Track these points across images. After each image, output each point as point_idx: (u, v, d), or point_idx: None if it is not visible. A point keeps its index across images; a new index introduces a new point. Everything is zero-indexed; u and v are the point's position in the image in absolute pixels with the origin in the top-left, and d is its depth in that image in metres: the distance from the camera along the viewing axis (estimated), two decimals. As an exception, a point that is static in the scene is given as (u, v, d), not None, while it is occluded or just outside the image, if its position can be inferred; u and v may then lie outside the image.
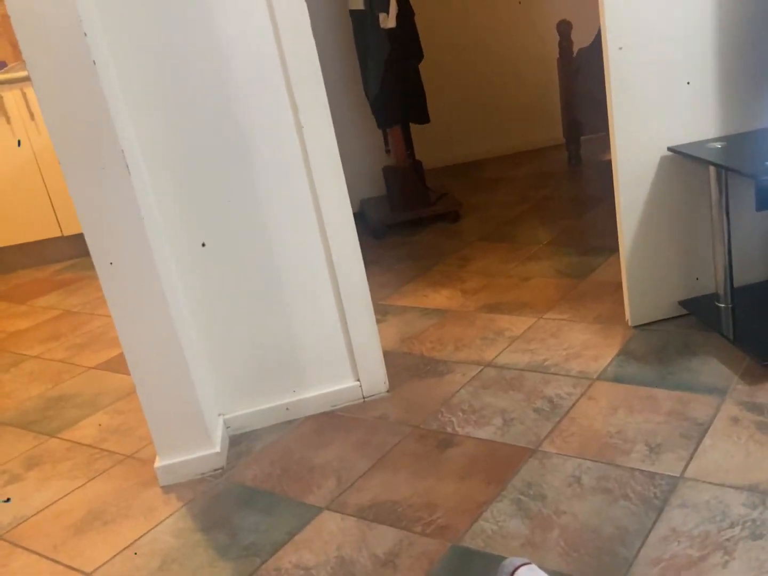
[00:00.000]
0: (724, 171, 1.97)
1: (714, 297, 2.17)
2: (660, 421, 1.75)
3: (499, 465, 1.72)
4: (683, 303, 2.19)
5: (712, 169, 2.00)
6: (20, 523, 1.85)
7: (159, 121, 1.82)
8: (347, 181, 1.98)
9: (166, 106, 1.82)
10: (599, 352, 2.13)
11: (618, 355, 2.09)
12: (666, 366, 1.99)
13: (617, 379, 1.97)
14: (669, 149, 2.05)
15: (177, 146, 1.85)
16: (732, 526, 1.38)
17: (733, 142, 2.01)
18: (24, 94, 3.86)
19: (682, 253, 2.17)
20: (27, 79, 3.78)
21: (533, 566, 1.30)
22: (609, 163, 2.08)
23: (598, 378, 2.00)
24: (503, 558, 1.34)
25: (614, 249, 2.29)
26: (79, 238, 1.72)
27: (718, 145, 2.00)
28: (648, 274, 2.17)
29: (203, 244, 1.93)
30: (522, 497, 1.59)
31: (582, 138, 4.20)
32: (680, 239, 2.16)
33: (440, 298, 2.76)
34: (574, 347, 2.19)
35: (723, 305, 2.12)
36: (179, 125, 1.83)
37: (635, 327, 2.22)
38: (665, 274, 2.18)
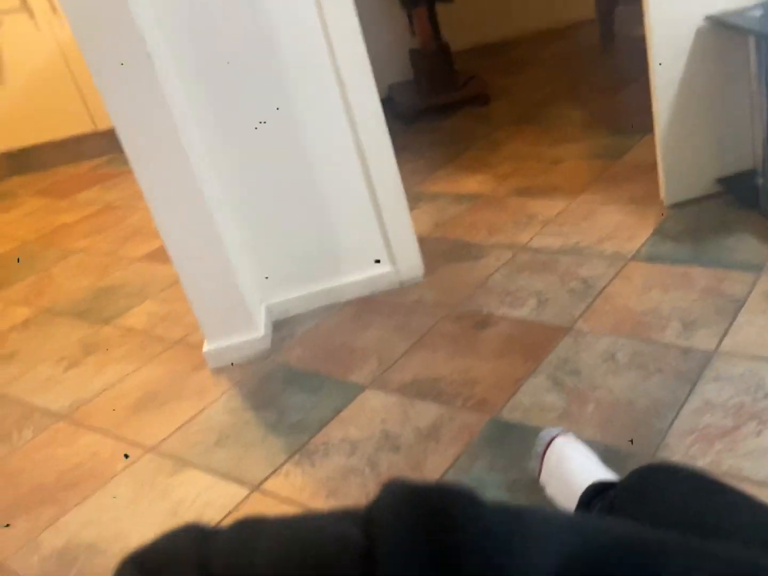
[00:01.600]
0: (765, 40, 1.85)
1: (752, 174, 2.08)
2: (694, 299, 1.73)
3: (535, 344, 1.72)
4: (720, 180, 2.11)
5: (751, 38, 1.88)
6: (82, 405, 1.92)
7: (183, 9, 1.74)
8: (373, 65, 1.89)
9: (194, -9, 1.73)
10: (633, 232, 2.08)
11: (652, 235, 2.05)
12: (701, 244, 1.94)
13: (651, 259, 1.94)
14: (706, 18, 1.92)
15: (201, 31, 1.77)
16: (766, 396, 1.38)
17: (779, 10, 1.88)
18: (46, -13, 3.72)
19: (720, 129, 2.07)
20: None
21: (570, 436, 1.32)
22: (643, 39, 1.96)
23: (632, 258, 1.97)
24: (540, 429, 1.36)
25: (649, 128, 2.20)
26: (114, 133, 1.68)
27: (759, 13, 1.86)
28: (684, 152, 2.09)
29: (241, 135, 1.89)
30: (557, 373, 1.60)
31: (615, 10, 3.95)
32: (717, 115, 2.06)
33: (472, 183, 2.70)
34: (607, 229, 2.14)
35: (761, 181, 2.05)
36: (201, 10, 1.75)
37: (670, 206, 2.16)
38: (701, 151, 2.09)
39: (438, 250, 2.27)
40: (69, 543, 1.48)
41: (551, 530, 0.33)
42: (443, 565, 0.30)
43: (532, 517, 0.34)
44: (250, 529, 0.35)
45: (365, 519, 0.34)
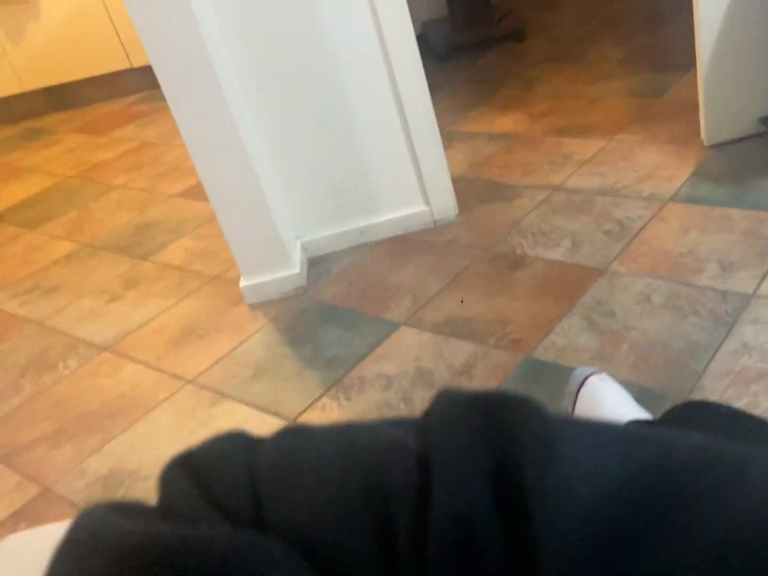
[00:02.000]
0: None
1: (797, 114, 2.00)
2: (734, 241, 1.68)
3: (569, 285, 1.70)
4: (763, 120, 2.03)
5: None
6: (124, 338, 1.95)
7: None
8: (407, 1, 1.82)
9: None
10: (672, 173, 2.02)
11: (692, 175, 1.98)
12: (742, 186, 1.88)
13: (690, 200, 1.88)
14: (763, -49, 1.81)
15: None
16: (804, 341, 1.35)
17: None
18: None
19: (764, 66, 1.98)
20: None
21: (604, 375, 1.30)
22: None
23: (671, 199, 1.91)
24: (574, 369, 1.34)
25: (690, 65, 2.10)
26: (149, 69, 1.66)
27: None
28: (726, 91, 2.00)
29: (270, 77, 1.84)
30: (592, 314, 1.58)
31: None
32: (762, 51, 1.96)
33: (507, 122, 2.63)
34: (645, 169, 2.08)
35: (807, 122, 1.96)
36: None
37: (711, 146, 2.08)
38: (745, 90, 2.00)
39: (472, 190, 2.22)
40: (114, 469, 1.52)
41: (622, 439, 0.30)
42: (504, 476, 0.27)
43: (602, 428, 0.31)
44: (297, 434, 0.34)
45: (419, 428, 0.32)
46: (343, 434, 0.32)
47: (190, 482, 0.31)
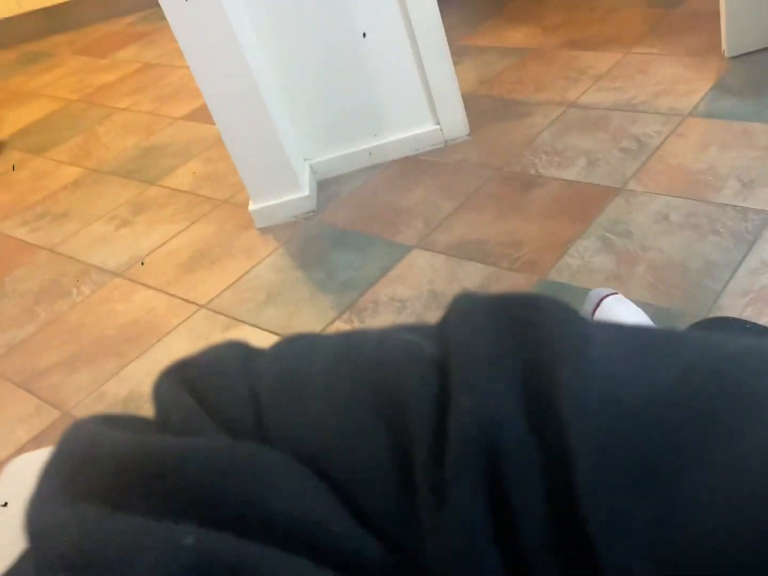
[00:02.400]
0: None
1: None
2: (755, 156, 1.61)
3: (584, 204, 1.64)
4: (789, 30, 1.91)
5: None
6: (136, 263, 1.92)
7: None
8: None
9: None
10: (691, 86, 1.92)
11: (712, 89, 1.89)
12: (765, 99, 1.78)
13: (710, 115, 1.79)
14: None
15: None
16: (827, 259, 1.30)
17: None
18: None
19: (795, -28, 1.85)
20: None
21: (620, 296, 1.26)
22: None
23: (690, 114, 1.82)
24: (590, 290, 1.31)
25: (714, -28, 1.98)
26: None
27: None
28: (752, -1, 1.88)
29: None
30: (608, 234, 1.52)
31: None
32: (795, -45, 1.83)
33: (519, 36, 2.50)
34: (663, 83, 1.98)
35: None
36: None
37: (732, 58, 1.97)
38: (772, -3, 1.88)
39: (483, 108, 2.13)
40: (132, 393, 1.51)
41: (663, 341, 0.25)
42: (532, 380, 0.23)
43: (640, 330, 0.26)
44: (301, 342, 0.30)
45: (436, 333, 0.28)
46: (352, 341, 0.29)
47: (186, 391, 0.28)
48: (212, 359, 0.30)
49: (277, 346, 0.30)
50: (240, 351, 0.30)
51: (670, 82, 1.98)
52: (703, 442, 0.21)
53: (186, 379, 0.29)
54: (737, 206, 1.48)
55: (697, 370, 0.23)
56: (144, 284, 1.83)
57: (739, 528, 0.19)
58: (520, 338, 0.25)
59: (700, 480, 0.21)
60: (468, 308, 0.27)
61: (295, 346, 0.30)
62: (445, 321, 0.28)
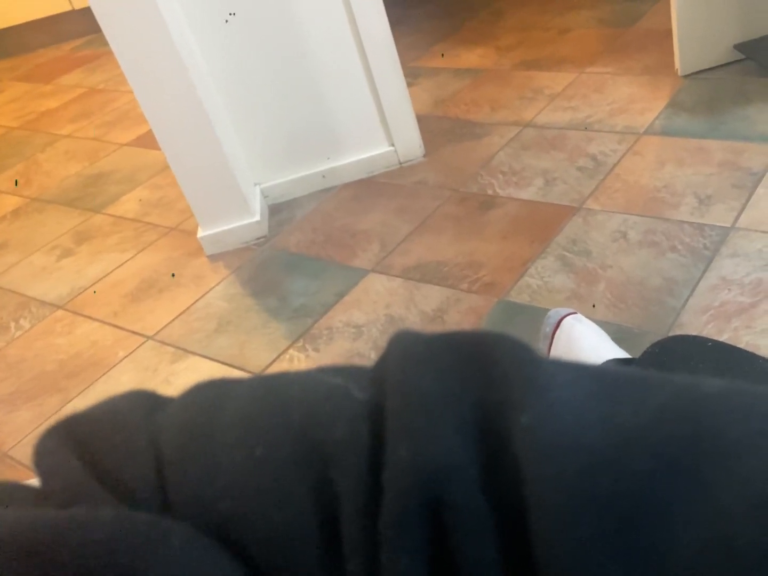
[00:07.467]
0: None
1: (773, 39, 1.95)
2: (711, 173, 1.64)
3: (542, 224, 1.65)
4: (739, 46, 1.97)
5: None
6: (79, 294, 1.87)
7: None
8: None
9: None
10: (646, 105, 1.96)
11: (666, 107, 1.93)
12: (719, 116, 1.83)
13: (665, 133, 1.83)
14: None
15: None
16: (785, 273, 1.32)
17: None
18: None
19: (742, -9, 1.91)
20: None
21: (579, 316, 1.27)
22: None
23: (645, 132, 1.86)
24: (549, 310, 1.31)
25: (664, -8, 2.03)
26: (91, 11, 1.54)
27: None
28: (701, 16, 1.93)
29: (226, 19, 1.73)
30: (566, 254, 1.53)
31: None
32: (742, -25, 1.89)
33: (473, 57, 2.54)
34: (618, 102, 2.02)
35: (783, 48, 1.91)
36: None
37: (685, 76, 2.03)
38: (720, 15, 1.94)
39: (439, 129, 2.15)
40: (74, 431, 1.46)
41: (629, 382, 0.23)
42: (484, 425, 0.21)
43: (603, 372, 0.24)
44: (213, 389, 0.27)
45: (371, 375, 0.25)
46: (270, 386, 0.26)
47: (75, 452, 0.25)
48: (108, 412, 0.27)
49: (186, 395, 0.27)
50: (143, 401, 0.28)
51: (625, 100, 2.02)
52: (680, 494, 0.19)
53: (76, 437, 0.26)
54: (694, 223, 1.51)
55: (669, 413, 0.21)
56: (87, 316, 1.78)
57: None
58: (471, 377, 0.23)
59: (678, 535, 0.19)
60: (409, 346, 0.25)
61: (206, 394, 0.27)
62: (382, 360, 0.26)
